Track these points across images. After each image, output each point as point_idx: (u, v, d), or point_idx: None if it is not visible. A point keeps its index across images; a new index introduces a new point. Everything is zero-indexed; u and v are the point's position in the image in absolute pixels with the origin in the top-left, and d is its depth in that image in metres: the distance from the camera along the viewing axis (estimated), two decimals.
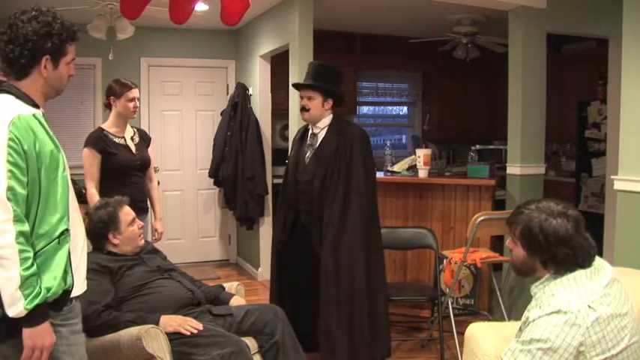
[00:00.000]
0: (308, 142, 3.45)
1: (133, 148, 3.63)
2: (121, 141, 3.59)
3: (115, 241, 2.83)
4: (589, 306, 1.83)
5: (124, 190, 3.36)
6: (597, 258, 1.99)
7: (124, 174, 3.56)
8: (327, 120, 3.38)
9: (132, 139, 3.67)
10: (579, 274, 1.92)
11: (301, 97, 3.40)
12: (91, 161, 3.48)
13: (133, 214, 2.92)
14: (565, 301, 1.85)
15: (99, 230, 2.83)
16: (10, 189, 1.68)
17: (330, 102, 3.36)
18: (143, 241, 2.95)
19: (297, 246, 3.45)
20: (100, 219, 2.84)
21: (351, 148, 3.28)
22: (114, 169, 3.51)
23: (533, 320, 1.87)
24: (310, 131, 3.46)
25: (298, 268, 3.46)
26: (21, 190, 1.71)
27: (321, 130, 3.39)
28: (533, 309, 1.93)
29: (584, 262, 1.93)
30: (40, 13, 1.84)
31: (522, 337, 1.88)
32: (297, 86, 3.49)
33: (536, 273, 2.01)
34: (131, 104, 3.56)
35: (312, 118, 3.36)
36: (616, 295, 1.91)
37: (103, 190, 3.44)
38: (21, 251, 1.68)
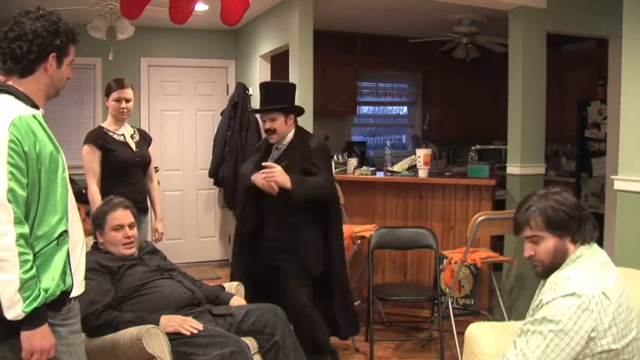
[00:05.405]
0: (272, 155, 3.42)
1: (133, 146, 3.62)
2: (121, 138, 3.59)
3: (100, 240, 2.86)
4: (603, 292, 1.85)
5: (123, 190, 3.36)
6: (604, 252, 2.03)
7: (124, 172, 3.54)
8: (291, 135, 3.39)
9: (132, 137, 3.66)
10: (593, 261, 1.95)
11: (264, 121, 3.38)
12: (91, 158, 3.47)
13: (123, 220, 2.85)
14: (580, 285, 1.86)
15: (93, 225, 2.90)
16: (10, 190, 1.68)
17: (292, 117, 3.38)
18: (130, 251, 2.87)
19: (258, 253, 3.44)
20: (95, 214, 2.92)
21: (309, 157, 3.28)
22: (113, 167, 3.50)
23: (547, 302, 1.88)
24: (274, 147, 3.43)
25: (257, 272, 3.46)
26: (21, 192, 1.70)
27: (285, 146, 3.38)
28: (547, 292, 1.93)
29: (595, 228, 2.03)
30: (46, 12, 1.87)
31: (534, 317, 1.89)
32: (256, 112, 3.56)
33: (566, 256, 2.00)
34: (117, 104, 3.54)
35: (280, 137, 3.35)
36: (624, 290, 1.94)
37: (103, 189, 3.43)
38: (21, 254, 1.67)
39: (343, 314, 3.43)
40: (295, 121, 3.43)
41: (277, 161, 3.30)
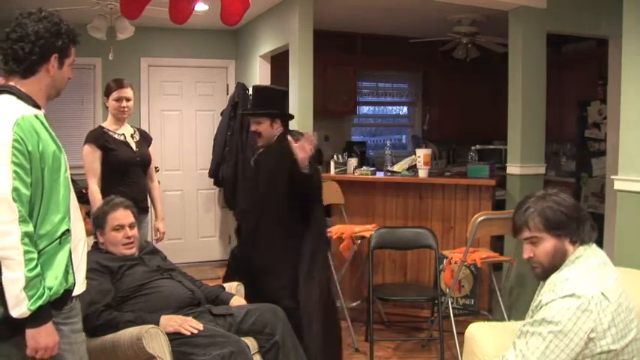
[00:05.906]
0: (256, 154, 3.44)
1: (134, 146, 3.62)
2: (121, 137, 3.59)
3: (101, 240, 2.86)
4: (602, 293, 1.85)
5: (124, 190, 3.36)
6: (603, 253, 2.03)
7: (124, 172, 3.55)
8: (274, 139, 3.37)
9: (132, 136, 3.67)
10: (592, 262, 1.96)
11: (252, 123, 3.43)
12: (92, 157, 3.48)
13: (123, 220, 2.85)
14: (579, 286, 1.87)
15: (94, 224, 2.90)
16: (15, 189, 1.69)
17: (279, 122, 3.37)
18: (130, 251, 2.87)
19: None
20: (96, 214, 2.93)
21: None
22: (113, 167, 3.50)
23: (547, 303, 1.88)
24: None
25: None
26: (25, 191, 1.72)
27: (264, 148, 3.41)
28: (546, 293, 1.93)
29: (594, 229, 2.02)
30: (48, 14, 1.89)
31: (534, 318, 1.89)
32: (244, 114, 3.70)
33: (566, 257, 2.00)
34: (117, 104, 3.55)
35: (265, 140, 3.36)
36: (624, 290, 1.94)
37: (103, 189, 3.43)
38: (26, 252, 1.69)
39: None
40: (284, 126, 3.41)
41: (255, 161, 3.39)
